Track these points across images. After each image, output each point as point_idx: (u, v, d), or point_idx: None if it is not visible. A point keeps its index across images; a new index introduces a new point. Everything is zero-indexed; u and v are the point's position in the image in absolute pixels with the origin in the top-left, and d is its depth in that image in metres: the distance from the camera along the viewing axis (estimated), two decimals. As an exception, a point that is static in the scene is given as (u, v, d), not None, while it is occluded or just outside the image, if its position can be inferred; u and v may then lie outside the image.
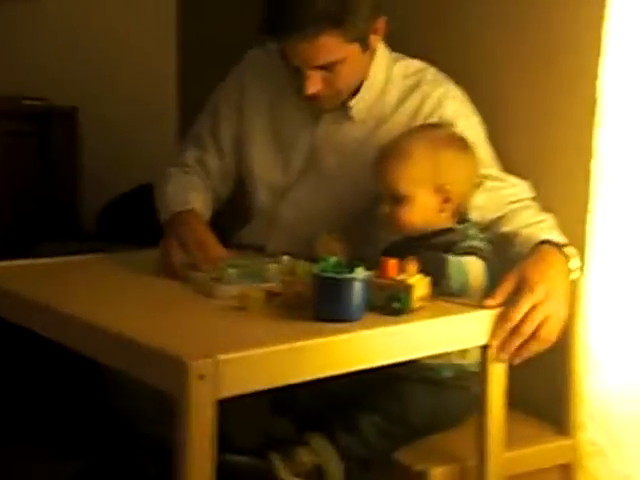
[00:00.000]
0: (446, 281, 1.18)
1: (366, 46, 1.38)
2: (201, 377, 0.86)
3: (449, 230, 1.29)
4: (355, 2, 1.31)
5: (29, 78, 2.16)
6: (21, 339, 1.19)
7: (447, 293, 1.18)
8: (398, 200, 1.28)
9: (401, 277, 1.10)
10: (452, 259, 1.20)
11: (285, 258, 1.29)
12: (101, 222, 2.22)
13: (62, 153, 2.04)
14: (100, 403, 1.36)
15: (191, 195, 1.48)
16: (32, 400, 1.74)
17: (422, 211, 1.28)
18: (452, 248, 1.23)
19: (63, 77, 2.25)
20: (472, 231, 1.29)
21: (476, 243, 1.26)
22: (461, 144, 1.32)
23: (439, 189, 1.28)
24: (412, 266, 1.11)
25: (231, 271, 1.20)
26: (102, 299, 1.17)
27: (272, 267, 1.24)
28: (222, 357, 0.88)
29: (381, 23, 1.38)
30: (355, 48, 1.36)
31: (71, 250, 1.49)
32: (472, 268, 1.21)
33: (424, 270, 1.12)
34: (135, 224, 2.17)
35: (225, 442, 1.22)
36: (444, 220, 1.30)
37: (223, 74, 1.61)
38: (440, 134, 1.33)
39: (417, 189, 1.27)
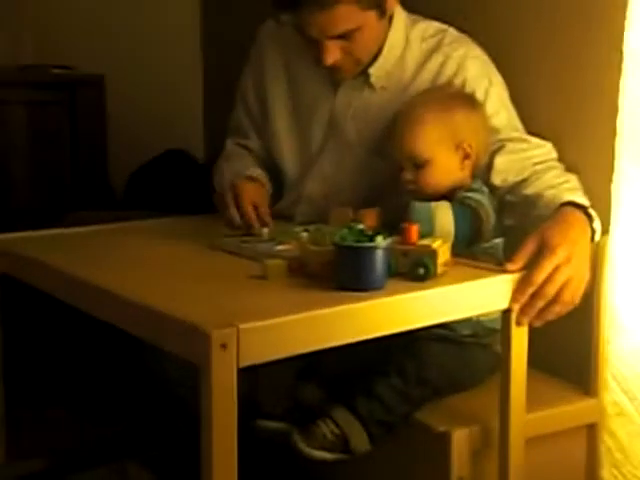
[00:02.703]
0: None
1: (382, 12, 1.37)
2: (223, 346, 0.88)
3: (461, 187, 1.30)
4: None
5: (56, 46, 2.17)
6: (56, 305, 1.23)
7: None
8: (420, 165, 1.30)
9: (424, 242, 1.11)
10: (418, 204, 1.22)
11: (313, 227, 1.30)
12: (129, 188, 2.25)
13: (90, 121, 2.07)
14: (137, 366, 1.40)
15: (249, 163, 1.52)
16: (67, 365, 1.80)
17: (445, 171, 1.30)
18: (451, 199, 1.26)
19: (90, 45, 2.27)
20: (476, 185, 1.31)
21: (471, 194, 1.27)
22: (470, 100, 1.34)
23: (458, 146, 1.30)
24: (370, 215, 1.19)
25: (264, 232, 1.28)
26: (127, 268, 1.20)
27: (301, 234, 1.25)
28: (243, 326, 0.90)
29: None
30: (372, 15, 1.34)
31: (98, 219, 1.52)
32: (439, 213, 1.21)
33: (392, 217, 1.13)
34: (163, 189, 2.20)
35: (255, 407, 1.26)
36: (465, 177, 1.32)
37: (243, 39, 1.61)
38: (449, 93, 1.34)
39: (437, 151, 1.29)
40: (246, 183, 1.43)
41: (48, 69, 2.09)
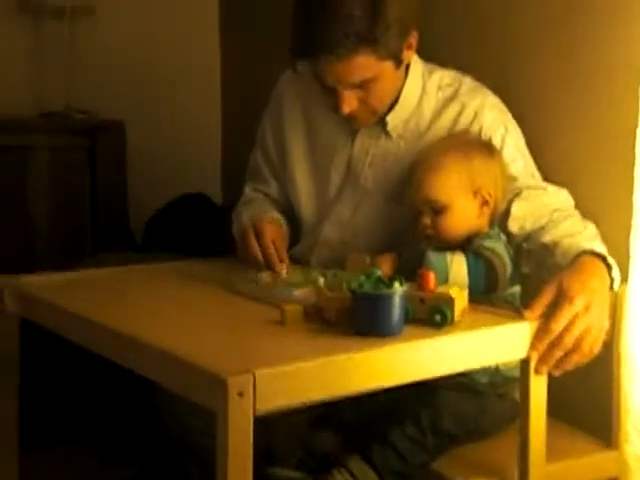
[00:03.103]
0: None
1: (399, 62, 1.38)
2: (240, 394, 0.88)
3: (478, 234, 1.30)
4: (387, 20, 1.30)
5: (78, 93, 2.22)
6: (75, 347, 1.23)
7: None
8: (438, 211, 1.30)
9: (441, 289, 1.11)
10: (433, 255, 1.22)
11: (330, 272, 1.31)
12: (148, 231, 2.27)
13: (110, 166, 2.10)
14: (152, 412, 1.39)
15: (267, 208, 1.56)
16: (86, 404, 1.79)
17: (463, 217, 1.30)
18: (467, 247, 1.26)
19: (110, 92, 2.32)
20: (493, 232, 1.31)
21: (487, 242, 1.27)
22: (488, 148, 1.35)
23: (476, 193, 1.30)
24: (385, 261, 1.19)
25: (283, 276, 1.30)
26: (143, 312, 1.20)
27: (318, 279, 1.26)
28: (260, 373, 0.90)
29: (414, 38, 1.38)
30: (389, 65, 1.36)
31: (116, 261, 1.53)
32: (454, 265, 1.22)
33: (408, 265, 1.13)
34: (181, 232, 2.21)
35: (270, 456, 1.25)
36: (482, 225, 1.32)
37: (262, 86, 1.64)
38: (467, 140, 1.35)
39: (455, 197, 1.30)
40: (266, 223, 1.46)
41: (71, 116, 2.14)
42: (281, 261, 1.39)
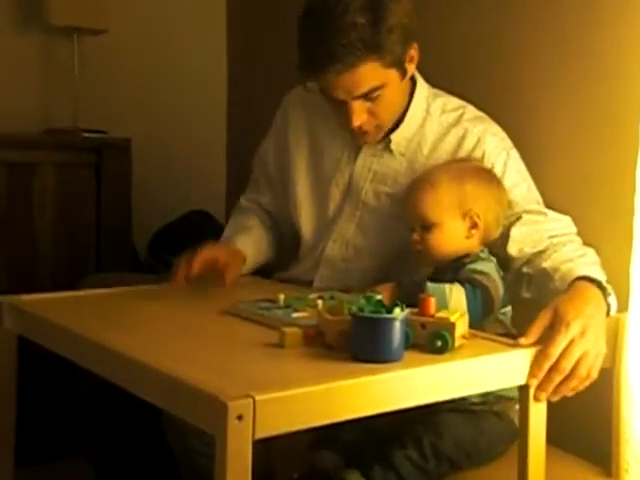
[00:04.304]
0: None
1: (403, 72, 1.40)
2: (239, 417, 0.88)
3: (468, 255, 1.32)
4: (388, 26, 1.32)
5: (85, 110, 2.24)
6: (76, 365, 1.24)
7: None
8: (427, 227, 1.34)
9: (441, 315, 1.12)
10: (432, 286, 1.23)
11: (328, 294, 1.31)
12: (152, 249, 2.28)
13: (115, 183, 2.11)
14: (155, 431, 1.39)
15: (238, 236, 1.55)
16: (85, 419, 1.79)
17: (451, 237, 1.34)
18: (459, 271, 1.28)
19: (118, 110, 2.34)
20: (484, 254, 1.33)
21: (479, 266, 1.28)
22: (487, 174, 1.38)
23: (466, 215, 1.33)
24: (385, 291, 1.21)
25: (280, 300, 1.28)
26: (142, 333, 1.20)
27: (317, 302, 1.27)
28: (260, 397, 0.90)
29: (415, 50, 1.40)
30: (394, 74, 1.38)
31: (116, 281, 1.53)
32: (453, 296, 1.22)
33: (405, 296, 1.15)
34: (184, 250, 2.22)
35: (270, 476, 1.25)
36: (472, 246, 1.34)
37: (267, 109, 1.66)
38: (466, 165, 1.39)
39: (445, 216, 1.33)
40: (219, 247, 1.47)
41: (77, 134, 2.15)
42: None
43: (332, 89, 1.37)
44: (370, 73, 1.34)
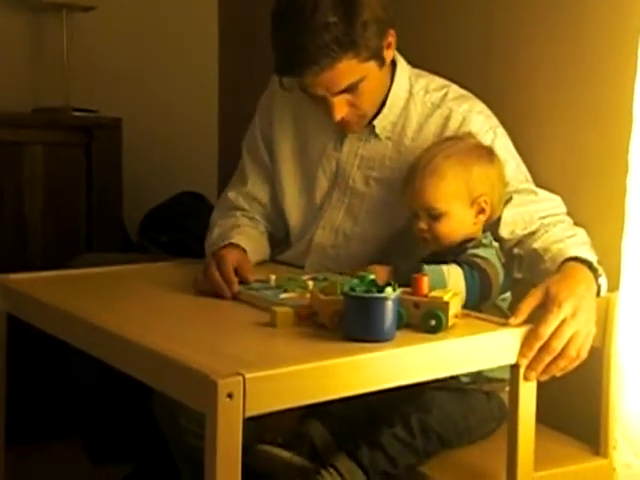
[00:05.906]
0: None
1: (382, 61, 1.38)
2: (229, 396, 0.88)
3: (472, 239, 1.31)
4: (362, 21, 1.30)
5: (75, 89, 2.22)
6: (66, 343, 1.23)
7: None
8: (435, 216, 1.31)
9: (435, 294, 1.11)
10: (428, 267, 1.22)
11: (320, 275, 1.31)
12: (143, 229, 2.27)
13: (106, 163, 2.09)
14: (146, 412, 1.39)
15: (233, 231, 1.49)
16: (78, 400, 1.79)
17: (459, 224, 1.32)
18: (460, 255, 1.27)
19: (109, 88, 2.32)
20: (486, 240, 1.32)
21: (481, 252, 1.27)
22: (488, 154, 1.36)
23: (474, 201, 1.32)
24: (382, 274, 1.18)
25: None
26: (133, 312, 1.20)
27: (308, 283, 1.27)
28: (250, 375, 0.90)
29: (392, 36, 1.38)
30: (372, 65, 1.36)
31: (105, 261, 1.53)
32: (451, 278, 1.22)
33: (404, 279, 1.13)
34: (175, 231, 2.21)
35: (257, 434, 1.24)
36: (477, 231, 1.34)
37: (259, 88, 1.64)
38: (467, 146, 1.35)
39: (453, 204, 1.31)
40: (228, 251, 1.39)
41: (67, 112, 2.13)
42: (245, 282, 1.32)
43: (311, 88, 1.36)
44: (348, 70, 1.32)
